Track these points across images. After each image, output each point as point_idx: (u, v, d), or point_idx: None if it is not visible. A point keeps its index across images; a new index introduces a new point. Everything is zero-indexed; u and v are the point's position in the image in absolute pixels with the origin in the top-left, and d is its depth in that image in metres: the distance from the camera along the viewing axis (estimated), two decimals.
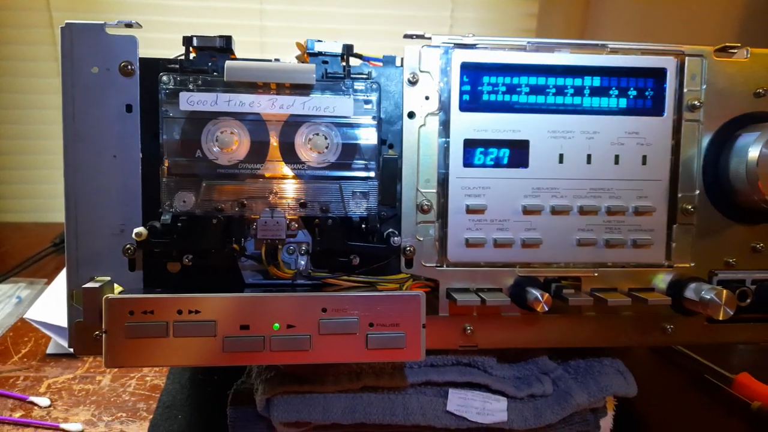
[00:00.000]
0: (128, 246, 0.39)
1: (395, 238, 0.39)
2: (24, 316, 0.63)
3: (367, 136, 0.39)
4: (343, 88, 0.38)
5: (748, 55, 0.43)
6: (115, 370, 0.61)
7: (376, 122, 0.39)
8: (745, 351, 0.75)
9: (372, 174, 0.39)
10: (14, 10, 1.32)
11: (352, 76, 0.39)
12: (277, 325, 0.36)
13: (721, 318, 0.40)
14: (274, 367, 0.44)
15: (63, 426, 0.52)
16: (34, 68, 1.34)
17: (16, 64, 1.34)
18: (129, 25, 0.40)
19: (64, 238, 0.39)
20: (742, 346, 0.76)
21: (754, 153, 0.41)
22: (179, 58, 0.38)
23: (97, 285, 0.37)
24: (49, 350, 0.64)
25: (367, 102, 0.38)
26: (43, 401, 0.55)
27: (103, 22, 0.39)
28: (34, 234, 1.00)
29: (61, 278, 0.71)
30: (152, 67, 0.39)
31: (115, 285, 0.39)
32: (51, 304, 0.64)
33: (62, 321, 0.62)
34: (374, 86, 0.39)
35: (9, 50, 1.32)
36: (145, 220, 0.39)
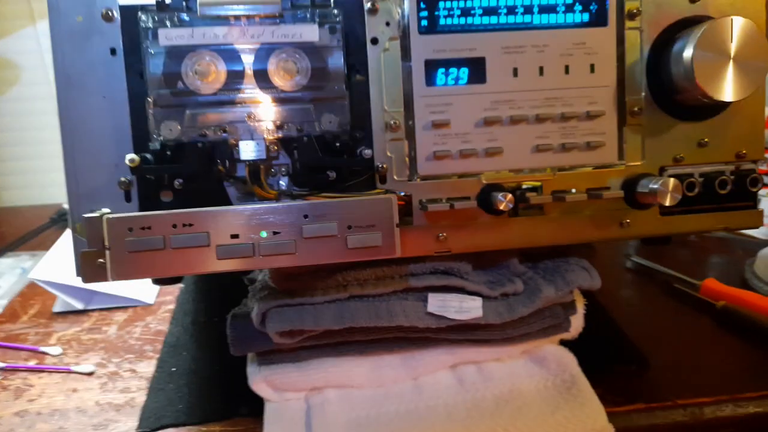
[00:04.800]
0: (123, 179, 0.43)
1: (366, 151, 0.43)
2: (29, 276, 0.66)
3: (335, 60, 0.42)
4: (308, 16, 0.42)
5: None
6: (121, 320, 0.65)
7: (341, 46, 0.42)
8: (715, 263, 0.80)
9: (341, 94, 0.42)
10: None
11: (316, 4, 0.42)
12: (264, 232, 0.39)
13: (668, 203, 0.44)
14: (266, 287, 0.48)
15: (75, 368, 0.55)
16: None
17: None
18: None
19: (65, 177, 0.43)
20: (712, 259, 0.80)
21: (688, 52, 0.44)
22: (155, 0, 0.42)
23: (97, 214, 0.41)
24: (56, 308, 0.67)
25: (331, 28, 0.42)
26: (55, 350, 0.59)
27: None
28: (31, 214, 1.03)
29: (62, 241, 0.74)
30: (132, 12, 0.42)
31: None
32: (54, 264, 0.68)
33: (67, 279, 0.65)
34: (337, 13, 0.42)
35: None
36: (137, 153, 0.42)
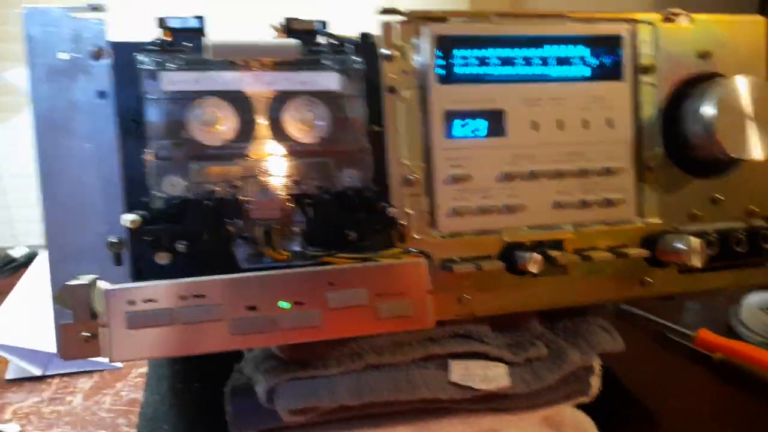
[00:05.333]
0: (113, 239, 0.37)
1: (391, 209, 0.39)
2: None
3: (356, 110, 0.39)
4: (325, 62, 0.38)
5: (690, 22, 0.47)
6: (87, 387, 0.58)
7: (363, 95, 0.39)
8: (695, 310, 0.80)
9: (363, 147, 0.39)
10: None
11: (335, 49, 0.39)
12: (285, 303, 0.35)
13: (696, 264, 0.43)
14: (273, 357, 0.43)
15: None
16: None
17: None
18: (95, 8, 0.38)
19: (44, 238, 0.37)
20: (690, 306, 0.81)
21: (709, 110, 0.44)
22: (156, 40, 0.37)
23: (84, 281, 0.35)
24: (8, 375, 0.59)
25: (352, 76, 0.39)
26: (12, 428, 0.51)
27: (66, 6, 0.37)
28: None
29: (12, 297, 0.66)
30: (125, 50, 0.38)
31: (99, 282, 0.37)
32: (7, 326, 0.60)
33: (21, 342, 0.58)
34: (357, 59, 0.39)
35: None
36: (129, 210, 0.37)
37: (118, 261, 0.38)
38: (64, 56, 0.37)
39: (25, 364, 0.59)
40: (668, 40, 0.47)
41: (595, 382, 0.49)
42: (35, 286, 0.69)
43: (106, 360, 0.58)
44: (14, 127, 1.23)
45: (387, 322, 0.36)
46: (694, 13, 0.47)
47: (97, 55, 0.37)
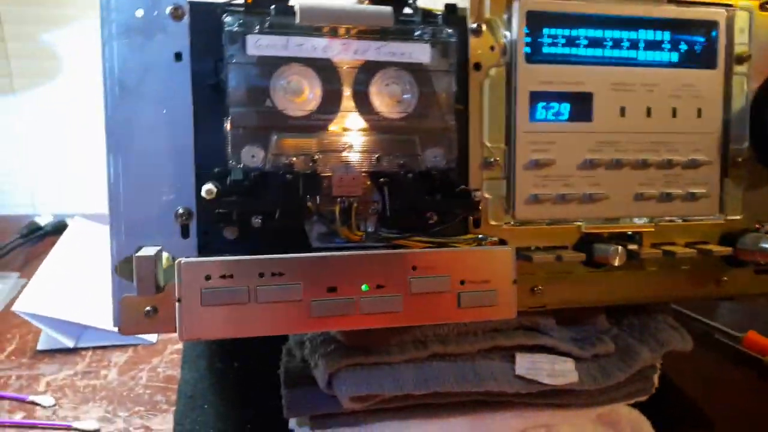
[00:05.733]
0: (182, 210, 0.35)
1: (476, 193, 0.37)
2: (13, 309, 0.56)
3: (445, 86, 0.36)
4: (418, 32, 0.36)
5: None
6: (122, 362, 0.56)
7: (453, 71, 0.36)
8: (738, 311, 0.78)
9: (450, 125, 0.36)
10: None
11: (428, 20, 0.36)
12: (366, 285, 0.33)
13: None
14: (332, 340, 0.41)
15: (76, 425, 0.46)
16: None
17: None
18: None
19: (108, 207, 0.35)
20: (733, 306, 0.79)
21: None
22: (236, 1, 0.35)
23: (151, 252, 0.33)
24: (40, 346, 0.57)
25: (444, 49, 0.36)
26: (46, 400, 0.49)
27: None
28: None
29: (45, 267, 0.64)
30: (205, 9, 0.35)
31: (169, 255, 0.35)
32: (40, 295, 0.58)
33: (54, 312, 0.56)
34: (450, 33, 0.36)
35: None
36: (198, 181, 0.35)
37: (185, 233, 0.35)
38: (139, 13, 0.34)
39: (57, 335, 0.56)
40: (765, 29, 0.44)
41: (655, 380, 0.47)
42: (68, 256, 0.67)
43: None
44: (42, 94, 1.20)
45: (469, 311, 0.34)
46: None
47: (175, 14, 0.34)
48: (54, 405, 0.49)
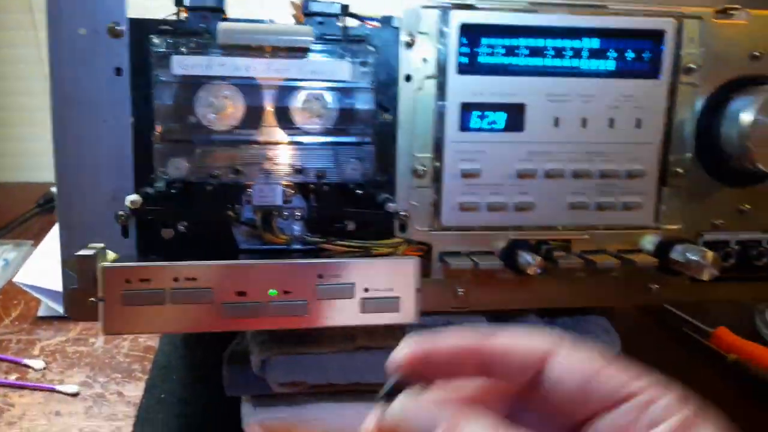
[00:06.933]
0: (121, 213, 0.39)
1: (390, 204, 0.39)
2: (13, 280, 0.62)
3: (364, 101, 0.38)
4: (339, 51, 0.37)
5: (748, 17, 0.43)
6: None
7: (372, 87, 0.38)
8: (726, 307, 0.77)
9: (368, 139, 0.38)
10: None
11: (349, 38, 0.38)
12: (273, 290, 0.36)
13: (705, 278, 0.41)
14: (269, 330, 0.45)
15: (59, 388, 0.52)
16: (7, 20, 1.28)
17: None
18: None
19: (56, 205, 0.39)
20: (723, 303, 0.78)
21: (747, 117, 0.41)
22: (170, 18, 0.37)
23: (91, 252, 0.37)
24: (41, 313, 0.64)
25: (364, 66, 0.38)
26: (38, 363, 0.56)
27: None
28: (17, 194, 0.98)
29: (49, 240, 0.70)
30: (142, 27, 0.37)
31: (109, 252, 0.39)
32: (40, 267, 0.64)
33: (53, 284, 0.62)
34: (371, 49, 0.38)
35: None
36: (137, 186, 0.38)
37: (125, 233, 0.39)
38: (82, 31, 0.37)
39: (56, 305, 0.63)
40: (718, 37, 0.43)
41: None
42: None
43: None
44: None
45: (372, 315, 0.37)
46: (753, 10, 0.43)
47: (114, 32, 0.37)
48: (44, 368, 0.55)
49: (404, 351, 0.23)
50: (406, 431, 0.21)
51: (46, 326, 0.62)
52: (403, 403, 0.22)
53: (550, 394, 0.22)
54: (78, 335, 0.61)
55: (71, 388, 0.52)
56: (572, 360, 0.22)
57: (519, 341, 0.23)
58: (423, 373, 0.23)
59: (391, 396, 0.23)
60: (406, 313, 0.37)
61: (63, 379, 0.54)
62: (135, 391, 0.53)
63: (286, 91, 0.37)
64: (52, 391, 0.52)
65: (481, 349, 0.23)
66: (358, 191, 0.39)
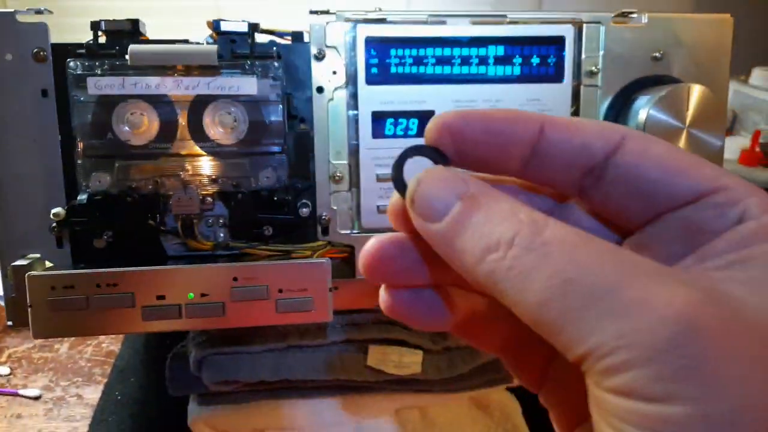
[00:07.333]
0: (54, 225, 0.42)
1: (304, 209, 0.41)
2: None
3: (274, 113, 0.41)
4: (247, 67, 0.40)
5: (646, 21, 0.45)
6: (74, 338, 0.64)
7: (281, 99, 0.41)
8: None
9: (279, 149, 0.41)
10: None
11: (255, 55, 0.40)
12: (191, 294, 0.38)
13: None
14: (206, 332, 0.47)
15: (21, 392, 0.55)
16: None
17: None
18: (39, 12, 0.41)
19: None
20: None
21: (643, 114, 0.43)
22: (89, 42, 0.40)
23: (25, 262, 0.40)
24: (9, 322, 0.67)
25: (273, 80, 0.40)
26: (3, 370, 0.59)
27: (13, 9, 0.40)
28: None
29: None
30: (63, 52, 0.40)
31: (46, 261, 0.42)
32: None
33: None
34: (278, 65, 0.40)
35: None
36: (69, 200, 0.41)
37: (59, 244, 0.42)
38: (9, 57, 0.40)
39: None
40: (618, 41, 0.45)
41: None
42: None
43: None
44: None
45: (287, 315, 0.39)
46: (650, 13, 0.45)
47: (38, 57, 0.40)
48: (9, 374, 0.58)
49: (439, 118, 0.20)
50: (423, 206, 0.18)
51: (15, 334, 0.65)
52: (421, 175, 0.19)
53: (614, 189, 0.18)
54: (45, 342, 0.64)
55: (33, 392, 0.55)
56: (652, 146, 0.18)
57: (589, 124, 0.19)
58: (455, 147, 0.19)
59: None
60: (320, 313, 0.40)
61: (26, 383, 0.57)
62: (94, 393, 0.56)
63: (197, 106, 0.40)
64: (15, 395, 0.55)
65: (543, 122, 0.19)
66: (274, 198, 0.41)
